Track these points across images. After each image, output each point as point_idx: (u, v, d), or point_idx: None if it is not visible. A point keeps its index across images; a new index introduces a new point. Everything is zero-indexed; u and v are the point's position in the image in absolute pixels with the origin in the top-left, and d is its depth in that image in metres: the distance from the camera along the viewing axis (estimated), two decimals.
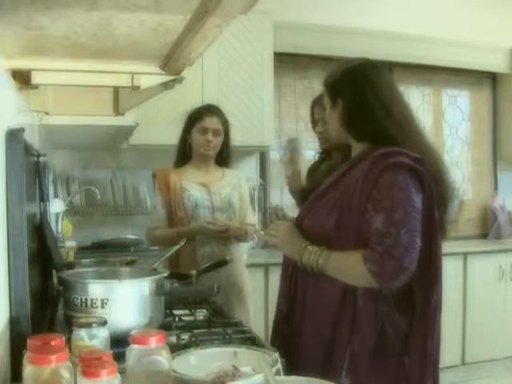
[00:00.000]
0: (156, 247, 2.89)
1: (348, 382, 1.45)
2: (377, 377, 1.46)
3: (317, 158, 2.50)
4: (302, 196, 1.76)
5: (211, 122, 2.54)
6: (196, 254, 2.46)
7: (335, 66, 1.66)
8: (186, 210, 2.51)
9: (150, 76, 1.61)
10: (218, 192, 2.56)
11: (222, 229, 2.45)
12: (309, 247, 1.52)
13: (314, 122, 2.33)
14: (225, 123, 2.59)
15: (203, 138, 2.52)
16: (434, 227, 1.48)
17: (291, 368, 1.25)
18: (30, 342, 0.93)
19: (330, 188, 1.57)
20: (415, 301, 1.49)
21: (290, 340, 1.58)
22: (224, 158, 2.63)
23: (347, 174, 1.54)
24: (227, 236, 2.49)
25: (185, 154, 2.61)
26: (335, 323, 1.48)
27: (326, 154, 2.36)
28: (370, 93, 1.54)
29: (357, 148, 1.59)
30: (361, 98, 1.55)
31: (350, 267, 1.47)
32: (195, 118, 2.57)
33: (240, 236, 2.58)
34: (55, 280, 1.72)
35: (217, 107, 2.64)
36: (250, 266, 3.22)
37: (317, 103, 2.28)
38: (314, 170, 2.46)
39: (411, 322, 1.48)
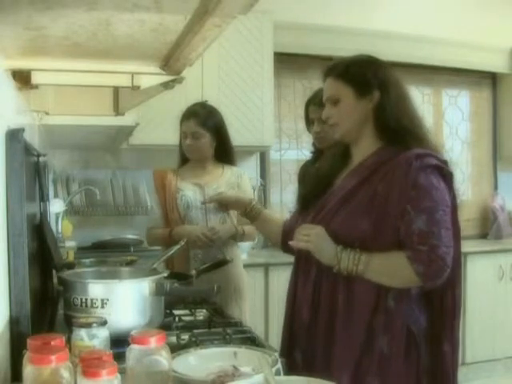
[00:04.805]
0: (156, 247, 2.89)
1: (377, 383, 1.46)
2: (404, 375, 1.48)
3: (310, 157, 2.45)
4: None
5: (187, 126, 2.49)
6: (189, 256, 2.44)
7: (341, 60, 1.63)
8: (179, 210, 2.49)
9: (149, 76, 1.61)
10: (213, 192, 2.50)
11: (212, 238, 2.41)
12: (344, 251, 1.49)
13: (309, 122, 2.27)
14: (206, 123, 2.49)
15: (184, 143, 2.52)
16: (457, 226, 1.52)
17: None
18: (29, 342, 0.93)
19: (354, 191, 1.53)
20: (433, 297, 1.53)
21: (313, 349, 1.55)
22: (224, 156, 2.59)
23: (373, 176, 1.51)
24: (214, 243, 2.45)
25: (183, 155, 2.61)
26: (369, 325, 1.47)
27: (319, 153, 2.31)
28: (404, 89, 1.56)
29: (369, 147, 1.57)
30: (399, 92, 1.54)
31: (395, 270, 1.47)
32: (180, 121, 2.55)
33: (237, 236, 2.56)
34: (55, 280, 1.72)
35: (194, 110, 2.54)
36: (250, 266, 3.23)
37: (311, 102, 2.22)
38: (306, 169, 2.38)
39: (433, 317, 1.53)
